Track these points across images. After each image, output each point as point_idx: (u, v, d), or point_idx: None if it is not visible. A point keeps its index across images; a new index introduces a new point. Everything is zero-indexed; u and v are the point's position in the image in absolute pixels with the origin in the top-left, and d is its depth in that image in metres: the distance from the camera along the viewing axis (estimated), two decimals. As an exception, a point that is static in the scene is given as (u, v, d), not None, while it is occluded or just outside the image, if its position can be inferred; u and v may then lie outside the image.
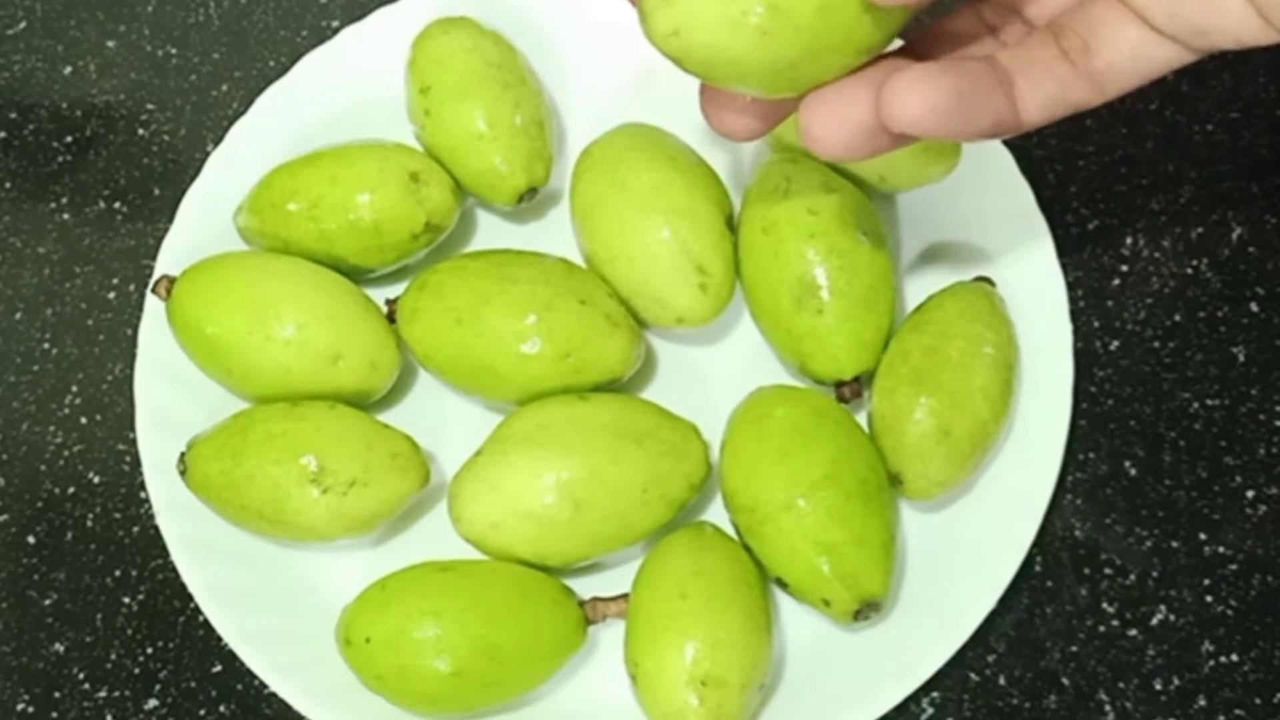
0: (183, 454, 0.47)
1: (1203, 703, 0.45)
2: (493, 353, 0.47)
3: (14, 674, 0.48)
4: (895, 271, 0.48)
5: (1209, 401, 0.49)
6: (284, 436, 0.45)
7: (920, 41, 0.37)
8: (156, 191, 0.56)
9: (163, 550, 0.48)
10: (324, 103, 0.54)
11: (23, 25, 0.60)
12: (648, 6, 0.32)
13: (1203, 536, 0.47)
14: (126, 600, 0.49)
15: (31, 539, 0.50)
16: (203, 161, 0.53)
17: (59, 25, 0.60)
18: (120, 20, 0.60)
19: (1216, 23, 0.33)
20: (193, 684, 0.48)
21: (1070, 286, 0.48)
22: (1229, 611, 0.46)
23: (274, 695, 0.46)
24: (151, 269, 0.52)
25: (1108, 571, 0.47)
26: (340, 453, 0.45)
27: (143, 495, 0.50)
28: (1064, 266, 0.49)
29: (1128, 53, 0.34)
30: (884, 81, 0.32)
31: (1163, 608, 0.46)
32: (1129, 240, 0.52)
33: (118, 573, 0.49)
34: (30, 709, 0.47)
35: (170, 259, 0.51)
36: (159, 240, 0.52)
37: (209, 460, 0.46)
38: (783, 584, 0.45)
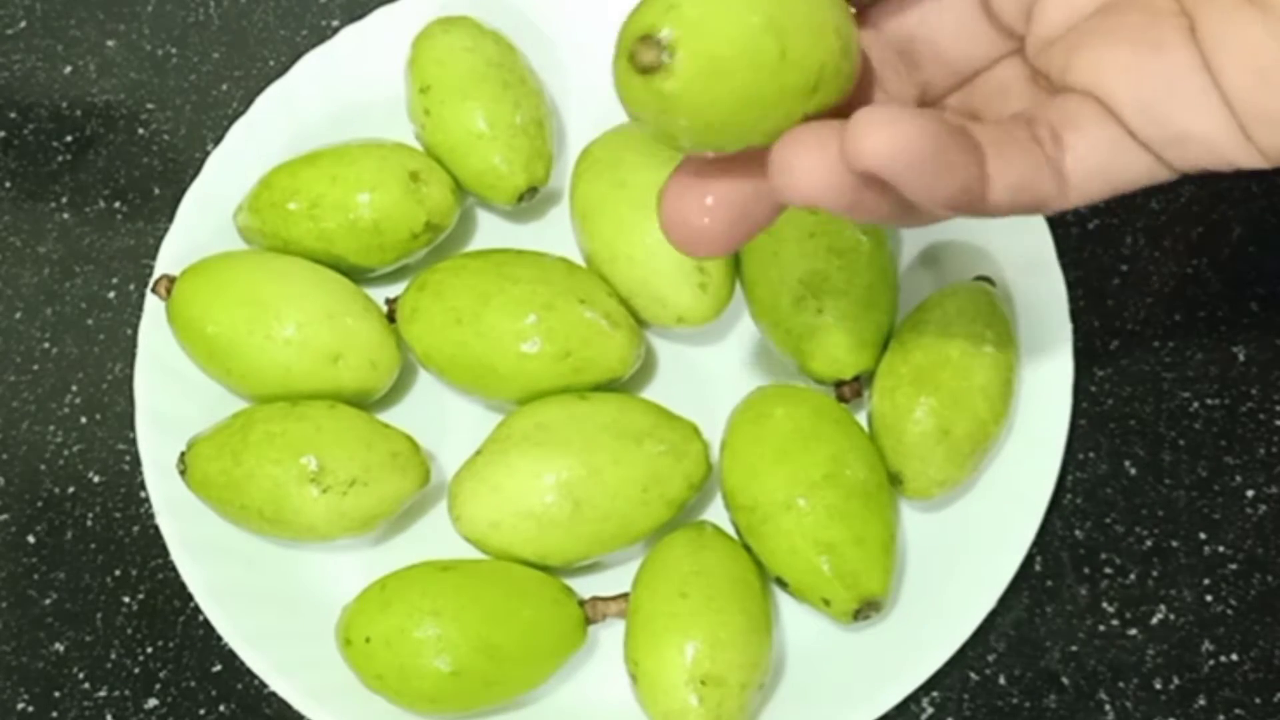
0: (183, 454, 0.47)
1: (1203, 702, 0.45)
2: (493, 352, 0.47)
3: (14, 674, 0.48)
4: (895, 271, 0.48)
5: (1209, 401, 0.49)
6: (284, 436, 0.45)
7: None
8: (156, 191, 0.56)
9: (163, 550, 0.48)
10: (324, 102, 0.54)
11: (23, 25, 0.60)
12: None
13: (1203, 536, 0.47)
14: (126, 600, 0.49)
15: (31, 539, 0.50)
16: (203, 161, 0.53)
17: (59, 25, 0.60)
18: (120, 20, 0.60)
19: (1192, 125, 0.30)
20: (193, 684, 0.48)
21: (1070, 286, 0.48)
22: (1229, 611, 0.46)
23: (274, 695, 0.46)
24: (151, 268, 0.52)
25: (1108, 571, 0.47)
26: (340, 452, 0.45)
27: (143, 495, 0.50)
28: (1064, 266, 0.49)
29: (1102, 150, 0.31)
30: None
31: (1163, 607, 0.46)
32: (1129, 240, 0.52)
33: (118, 572, 0.49)
34: (30, 708, 0.47)
35: (170, 258, 0.51)
36: (159, 240, 0.52)
37: (209, 460, 0.46)
38: (783, 584, 0.45)
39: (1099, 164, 0.31)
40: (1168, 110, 0.30)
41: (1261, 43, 0.29)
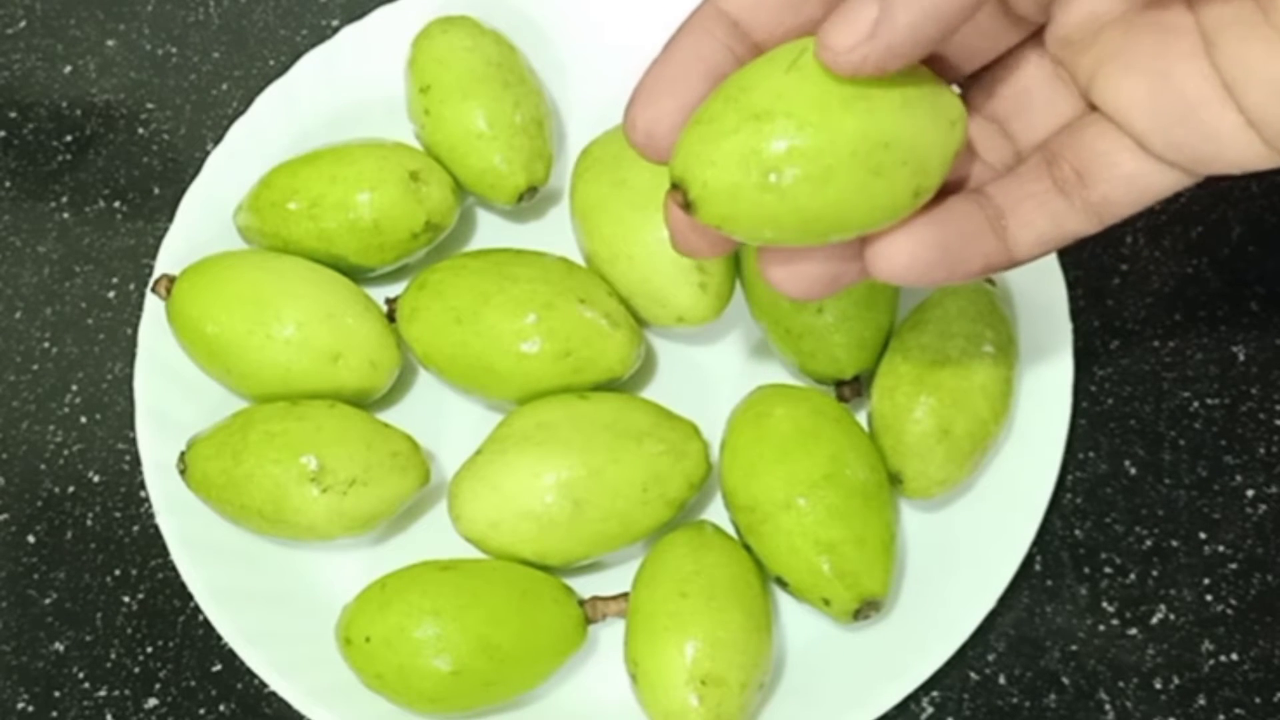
0: (182, 453, 0.47)
1: (1203, 702, 0.45)
2: (492, 352, 0.47)
3: (14, 673, 0.48)
4: (895, 271, 0.48)
5: (1209, 401, 0.49)
6: (284, 435, 0.45)
7: None
8: (156, 191, 0.56)
9: (163, 550, 0.48)
10: (324, 102, 0.54)
11: (23, 24, 0.60)
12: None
13: (1203, 536, 0.47)
14: (126, 600, 0.49)
15: (31, 538, 0.50)
16: (203, 161, 0.53)
17: (59, 24, 0.60)
18: (120, 19, 0.60)
19: (1217, 150, 0.32)
20: (193, 683, 0.48)
21: (1070, 286, 0.48)
22: (1229, 611, 0.46)
23: (274, 695, 0.46)
24: (151, 268, 0.52)
25: (1108, 571, 0.47)
26: (340, 452, 0.45)
27: (143, 495, 0.50)
28: (1064, 266, 0.49)
29: (1125, 182, 0.33)
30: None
31: (1163, 607, 0.46)
32: (1129, 240, 0.52)
33: (118, 572, 0.49)
34: (30, 708, 0.47)
35: (170, 258, 0.51)
36: (159, 239, 0.52)
37: (209, 459, 0.46)
38: (783, 583, 0.45)
39: (1126, 191, 0.33)
40: (1189, 137, 0.32)
41: None
